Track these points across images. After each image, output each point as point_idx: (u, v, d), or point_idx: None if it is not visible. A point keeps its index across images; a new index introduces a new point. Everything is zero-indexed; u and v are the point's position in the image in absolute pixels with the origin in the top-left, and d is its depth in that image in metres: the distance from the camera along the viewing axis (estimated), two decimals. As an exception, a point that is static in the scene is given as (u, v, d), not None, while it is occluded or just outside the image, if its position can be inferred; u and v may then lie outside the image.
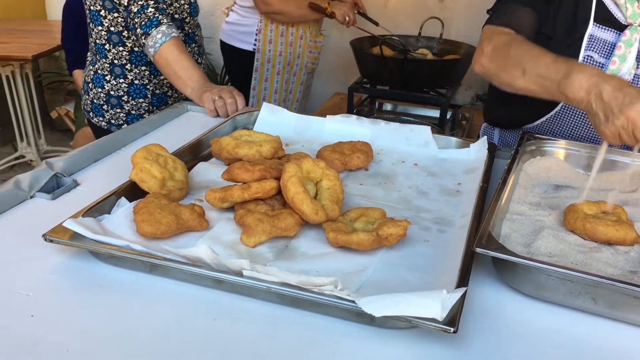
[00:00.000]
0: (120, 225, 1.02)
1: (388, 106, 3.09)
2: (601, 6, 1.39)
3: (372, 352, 0.81)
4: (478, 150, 1.40)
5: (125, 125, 2.01)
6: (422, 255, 1.01)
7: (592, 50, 1.40)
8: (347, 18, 2.71)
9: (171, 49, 1.75)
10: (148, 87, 2.00)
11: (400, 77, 2.68)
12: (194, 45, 2.06)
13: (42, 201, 1.18)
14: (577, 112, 1.48)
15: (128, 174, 1.14)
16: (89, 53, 2.06)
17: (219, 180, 1.20)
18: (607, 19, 1.39)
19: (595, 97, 1.12)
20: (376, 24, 2.90)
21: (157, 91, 2.02)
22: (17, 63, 3.66)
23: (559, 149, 1.36)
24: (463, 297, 0.81)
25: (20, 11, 4.58)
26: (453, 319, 0.77)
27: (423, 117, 2.92)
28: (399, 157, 1.42)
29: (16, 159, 3.94)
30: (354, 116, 1.54)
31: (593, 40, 1.40)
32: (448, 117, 2.81)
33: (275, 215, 1.03)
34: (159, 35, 1.74)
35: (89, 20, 1.95)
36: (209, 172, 1.29)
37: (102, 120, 2.03)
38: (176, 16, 1.96)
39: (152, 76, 1.99)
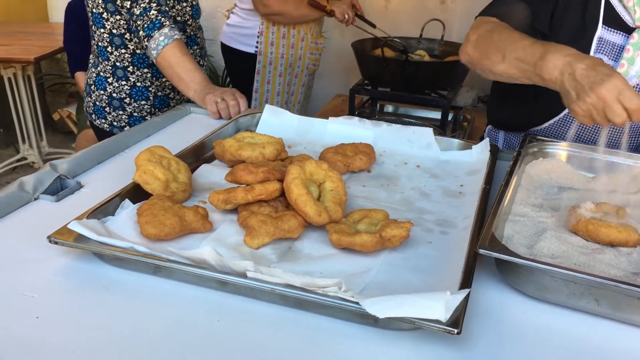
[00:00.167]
0: (124, 227, 1.02)
1: (389, 108, 3.10)
2: (610, 9, 1.39)
3: (375, 354, 0.81)
4: (480, 152, 1.41)
5: (128, 127, 2.01)
6: (425, 257, 1.01)
7: (601, 53, 1.40)
8: (346, 16, 2.72)
9: (174, 51, 1.75)
10: (150, 89, 2.00)
11: (401, 79, 2.68)
12: (196, 47, 2.07)
13: (46, 203, 1.18)
14: None
15: (131, 175, 1.14)
16: (91, 55, 2.06)
17: (222, 182, 1.21)
18: (615, 22, 1.39)
19: (568, 76, 1.12)
20: (373, 25, 2.90)
21: (160, 93, 2.02)
22: (19, 65, 3.67)
23: (561, 150, 1.36)
24: (466, 298, 0.81)
25: (22, 13, 4.60)
26: (456, 321, 0.78)
27: (424, 118, 2.93)
28: (402, 159, 1.43)
29: (18, 161, 3.95)
30: (356, 118, 1.54)
31: (602, 42, 1.40)
32: (449, 118, 2.82)
33: (278, 217, 1.03)
34: (162, 38, 1.75)
35: (91, 23, 1.95)
36: (212, 174, 1.29)
37: (104, 123, 2.04)
38: (178, 18, 1.96)
39: (154, 78, 1.99)
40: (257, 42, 2.71)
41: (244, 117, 1.61)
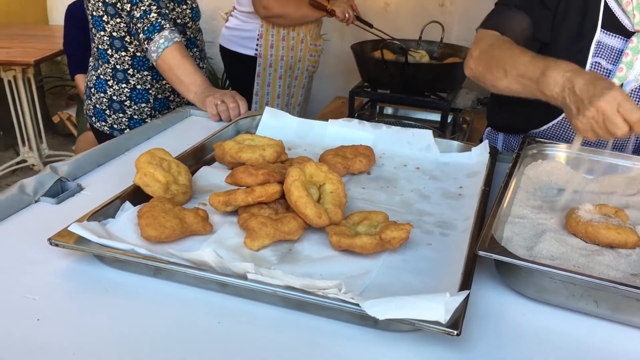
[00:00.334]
0: (125, 229, 1.03)
1: (389, 110, 3.10)
2: (609, 13, 1.39)
3: (375, 355, 0.81)
4: (479, 154, 1.41)
5: (128, 129, 2.02)
6: (424, 259, 1.02)
7: (600, 57, 1.40)
8: (346, 15, 2.73)
9: (174, 53, 1.76)
10: (150, 91, 2.00)
11: (401, 81, 2.69)
12: (195, 49, 2.07)
13: (46, 205, 1.18)
14: None
15: (132, 178, 1.15)
16: (91, 58, 2.07)
17: (222, 184, 1.21)
18: (614, 26, 1.39)
19: (569, 92, 1.13)
20: (370, 25, 2.91)
21: (160, 96, 2.03)
22: (19, 68, 3.67)
23: (560, 152, 1.36)
24: (466, 300, 0.81)
25: (22, 16, 4.60)
26: (456, 322, 0.78)
27: (424, 120, 2.93)
28: (401, 161, 1.43)
29: (18, 163, 3.95)
30: (356, 120, 1.55)
31: (600, 46, 1.40)
32: (449, 120, 2.82)
33: (278, 219, 1.04)
34: (162, 40, 1.75)
35: (91, 26, 1.95)
36: (212, 176, 1.30)
37: (104, 125, 2.04)
38: (178, 21, 1.97)
39: (154, 81, 2.00)
40: (257, 45, 2.71)
41: (244, 120, 1.62)
